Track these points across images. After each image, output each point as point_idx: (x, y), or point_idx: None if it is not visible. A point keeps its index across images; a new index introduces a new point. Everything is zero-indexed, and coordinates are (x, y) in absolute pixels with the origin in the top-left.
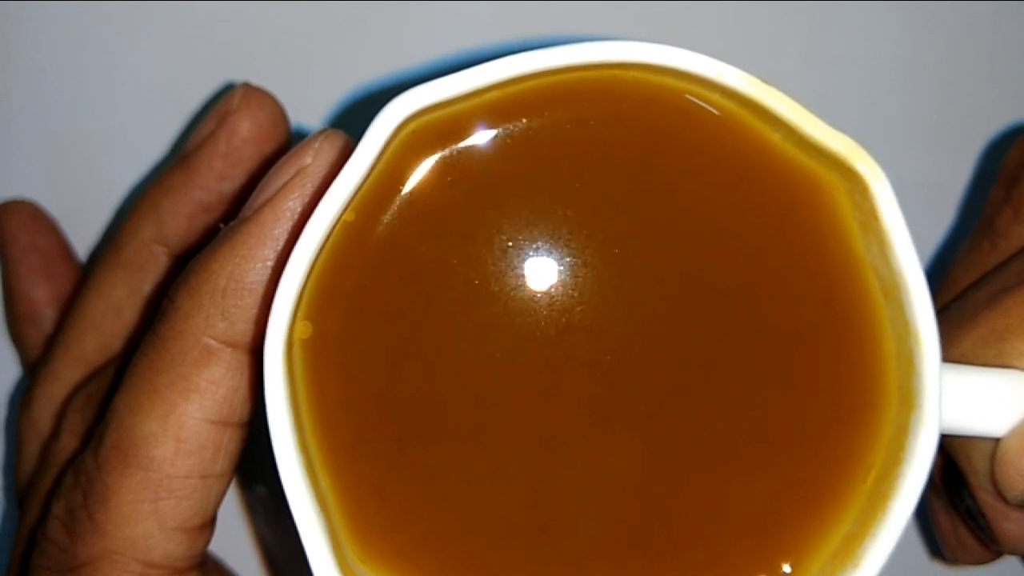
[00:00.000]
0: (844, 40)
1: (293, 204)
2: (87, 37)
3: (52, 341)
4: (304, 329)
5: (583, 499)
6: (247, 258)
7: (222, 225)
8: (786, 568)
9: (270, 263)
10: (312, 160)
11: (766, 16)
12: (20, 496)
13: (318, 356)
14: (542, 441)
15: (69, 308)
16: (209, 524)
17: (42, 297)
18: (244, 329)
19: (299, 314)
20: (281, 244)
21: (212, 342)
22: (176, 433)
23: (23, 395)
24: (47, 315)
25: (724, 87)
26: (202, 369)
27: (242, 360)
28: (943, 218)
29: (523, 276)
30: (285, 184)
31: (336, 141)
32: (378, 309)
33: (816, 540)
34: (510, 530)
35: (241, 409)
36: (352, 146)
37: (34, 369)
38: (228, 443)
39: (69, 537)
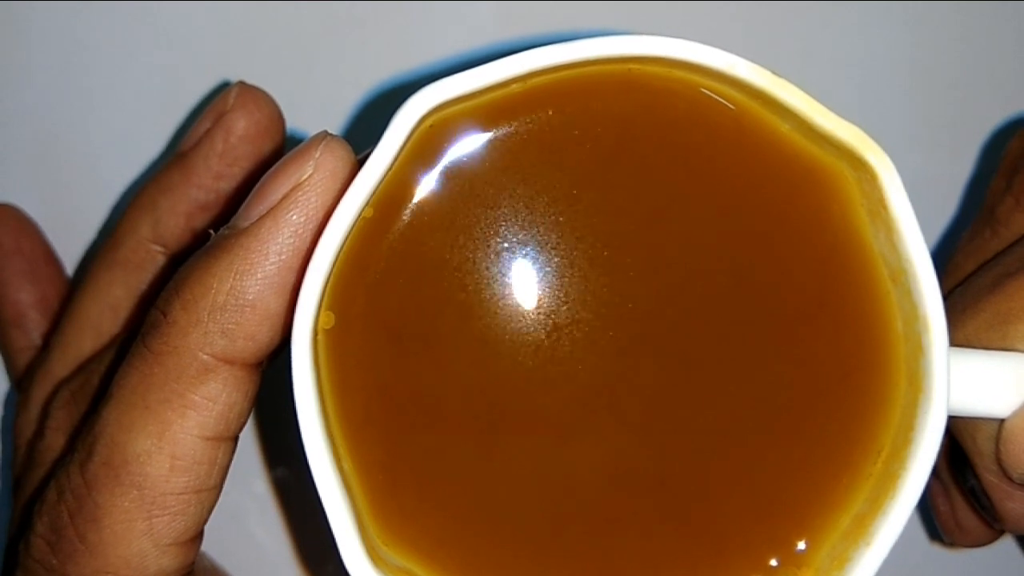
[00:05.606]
0: (846, 37)
1: (295, 217)
2: (80, 36)
3: (48, 341)
4: (327, 319)
5: (597, 483)
6: (247, 273)
7: (212, 232)
8: (801, 545)
9: (272, 279)
10: (312, 172)
11: (767, 14)
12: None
13: (340, 345)
14: (554, 427)
15: (65, 308)
16: (201, 535)
17: (27, 300)
18: (244, 346)
19: (322, 304)
20: (283, 258)
21: (209, 359)
22: (171, 451)
23: (19, 396)
24: (33, 318)
25: (736, 79)
26: (199, 386)
27: (239, 376)
28: (944, 213)
29: (529, 271)
30: (285, 196)
31: (336, 149)
32: (394, 301)
33: (829, 519)
34: (526, 514)
35: (236, 423)
36: (351, 153)
37: (29, 371)
38: (222, 457)
39: (56, 557)
